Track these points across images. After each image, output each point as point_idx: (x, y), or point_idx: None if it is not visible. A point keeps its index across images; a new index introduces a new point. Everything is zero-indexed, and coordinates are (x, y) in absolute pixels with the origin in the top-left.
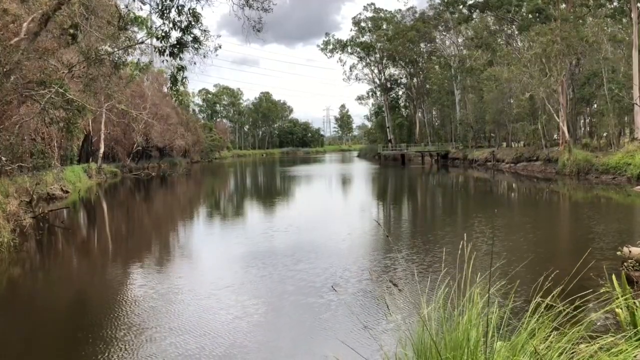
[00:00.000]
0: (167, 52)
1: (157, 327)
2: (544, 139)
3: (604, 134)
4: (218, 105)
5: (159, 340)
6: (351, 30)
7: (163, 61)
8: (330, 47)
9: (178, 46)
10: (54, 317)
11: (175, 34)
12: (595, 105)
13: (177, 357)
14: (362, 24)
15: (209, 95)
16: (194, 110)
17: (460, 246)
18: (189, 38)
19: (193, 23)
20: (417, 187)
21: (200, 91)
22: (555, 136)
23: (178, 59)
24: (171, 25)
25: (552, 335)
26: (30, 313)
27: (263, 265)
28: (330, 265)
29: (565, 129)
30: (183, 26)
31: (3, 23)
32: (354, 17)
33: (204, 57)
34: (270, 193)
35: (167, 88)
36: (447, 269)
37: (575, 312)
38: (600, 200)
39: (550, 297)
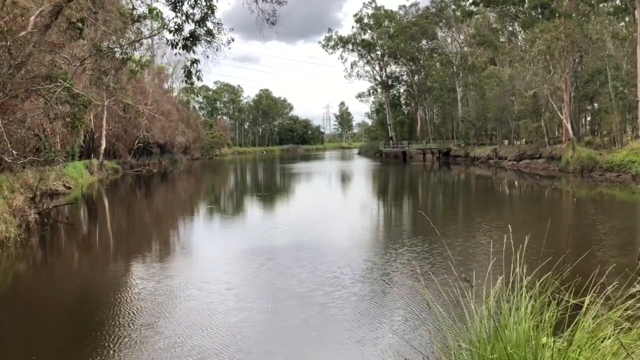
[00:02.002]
0: (180, 45)
1: (197, 315)
2: (547, 137)
3: (605, 132)
4: (218, 102)
5: (202, 325)
6: (353, 28)
7: (176, 54)
8: (332, 43)
9: (191, 39)
10: (63, 314)
11: (187, 27)
12: (596, 104)
13: (232, 342)
14: (365, 20)
15: (209, 92)
16: (194, 107)
17: (491, 240)
18: (202, 31)
19: (209, 14)
20: (424, 184)
21: (200, 88)
22: (557, 134)
23: (191, 52)
24: (184, 17)
25: (615, 333)
26: (40, 309)
27: (289, 258)
28: (353, 259)
29: (569, 126)
30: (198, 18)
31: (12, 16)
32: (355, 14)
33: (217, 50)
34: (276, 190)
35: (168, 85)
36: (481, 263)
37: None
38: (609, 198)
39: (601, 294)
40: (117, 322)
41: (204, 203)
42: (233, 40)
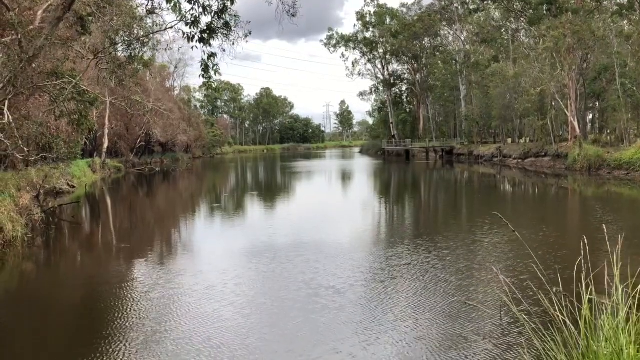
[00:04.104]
0: (197, 38)
1: (245, 310)
2: (552, 135)
3: (608, 131)
4: (219, 100)
5: (258, 321)
6: (355, 26)
7: (193, 47)
8: (334, 42)
9: (208, 32)
10: (73, 314)
11: (203, 19)
12: (599, 102)
13: (297, 340)
14: (367, 18)
15: (210, 91)
16: (195, 106)
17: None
18: (219, 23)
19: (228, 5)
20: (433, 182)
21: (201, 86)
22: (561, 132)
23: (208, 45)
24: (201, 10)
25: None
26: (48, 309)
27: (322, 255)
28: (384, 256)
29: (575, 124)
30: (216, 9)
31: (20, 9)
32: (358, 12)
33: (233, 44)
34: (283, 190)
35: (170, 83)
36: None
37: None
38: (621, 197)
39: None
40: (161, 319)
41: (209, 202)
42: (250, 33)
